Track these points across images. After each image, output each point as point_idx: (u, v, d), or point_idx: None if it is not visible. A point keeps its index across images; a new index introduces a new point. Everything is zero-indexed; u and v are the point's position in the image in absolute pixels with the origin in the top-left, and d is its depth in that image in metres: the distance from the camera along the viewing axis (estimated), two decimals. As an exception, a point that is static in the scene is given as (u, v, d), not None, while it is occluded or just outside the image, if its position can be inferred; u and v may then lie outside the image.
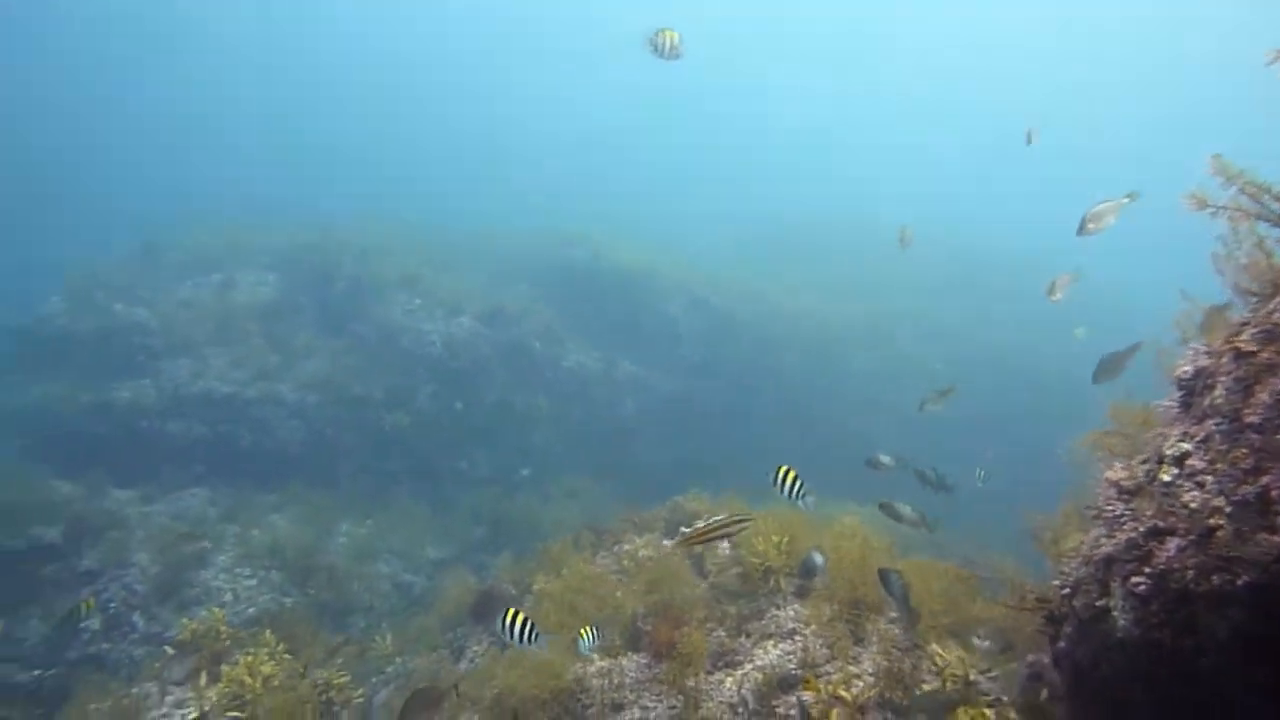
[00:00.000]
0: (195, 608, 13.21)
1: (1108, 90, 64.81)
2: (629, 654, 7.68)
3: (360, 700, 9.63)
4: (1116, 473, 4.06)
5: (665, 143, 65.09)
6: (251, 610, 13.63)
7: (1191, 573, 3.34)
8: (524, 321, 22.78)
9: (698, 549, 9.22)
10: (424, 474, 19.58)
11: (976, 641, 6.45)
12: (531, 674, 7.18)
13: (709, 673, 7.11)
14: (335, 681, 9.41)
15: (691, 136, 65.56)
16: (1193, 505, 3.42)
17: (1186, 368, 3.98)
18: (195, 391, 18.54)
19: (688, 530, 6.48)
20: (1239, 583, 3.10)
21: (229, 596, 13.97)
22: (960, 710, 4.98)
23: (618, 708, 7.08)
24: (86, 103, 62.05)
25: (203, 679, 8.93)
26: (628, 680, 7.30)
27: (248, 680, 8.67)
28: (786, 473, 6.28)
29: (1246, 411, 3.31)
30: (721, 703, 6.68)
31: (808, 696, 6.13)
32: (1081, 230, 7.63)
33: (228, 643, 9.86)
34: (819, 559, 7.05)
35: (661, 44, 7.33)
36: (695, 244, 33.39)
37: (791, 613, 7.48)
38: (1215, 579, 3.23)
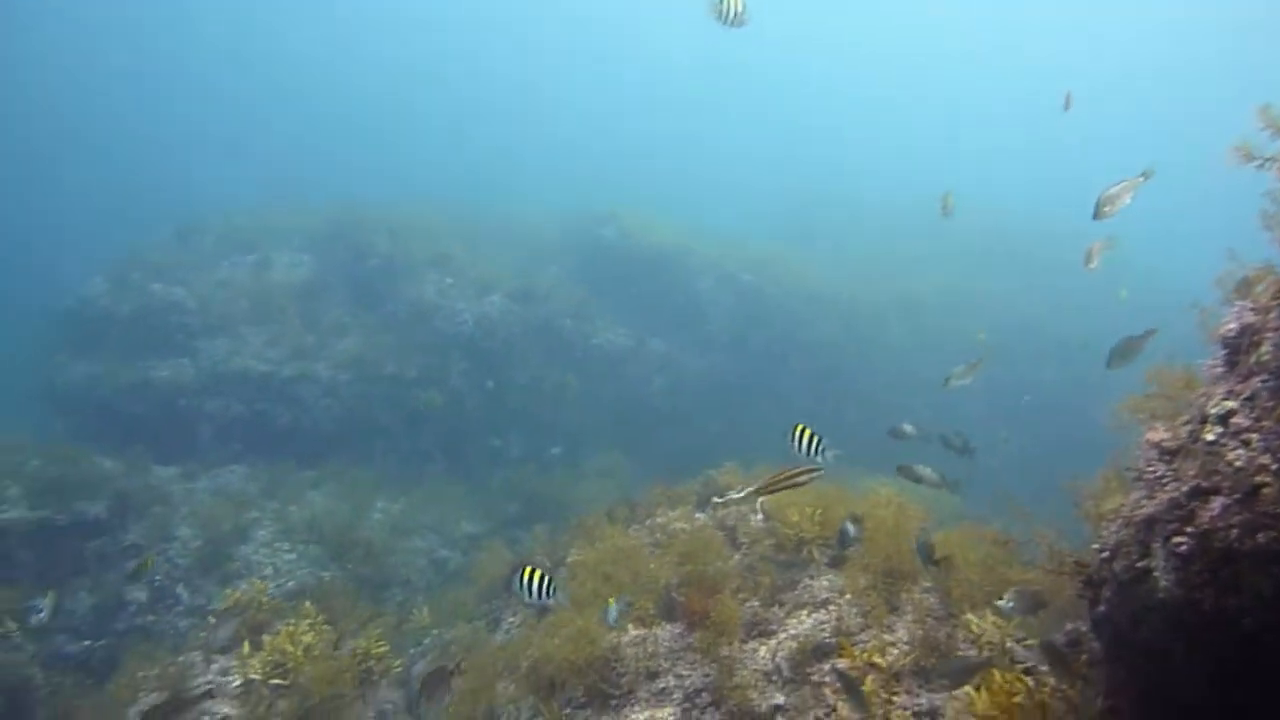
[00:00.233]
0: (237, 581, 13.50)
1: (1150, 60, 63.27)
2: (663, 624, 7.73)
3: (399, 669, 9.80)
4: (1158, 434, 4.00)
5: (696, 118, 64.62)
6: (291, 584, 13.89)
7: (1236, 531, 3.30)
8: (554, 300, 22.82)
9: (730, 522, 9.27)
10: (456, 452, 19.78)
11: (999, 603, 6.42)
12: (568, 643, 7.25)
13: (743, 642, 7.14)
14: (374, 651, 9.58)
15: (723, 112, 65.05)
16: (1237, 463, 3.37)
17: (1231, 325, 3.90)
18: (232, 370, 18.85)
19: (751, 487, 6.44)
20: (1285, 540, 3.06)
21: (269, 570, 14.23)
22: (997, 672, 4.96)
23: (652, 675, 7.14)
24: (126, 89, 62.92)
25: (246, 648, 9.12)
26: (662, 649, 7.36)
27: (289, 649, 8.85)
28: (803, 430, 6.29)
29: (1294, 367, 3.25)
30: (755, 670, 6.71)
31: (843, 663, 6.14)
32: (1097, 214, 7.50)
33: (269, 613, 10.06)
34: (853, 528, 7.03)
35: (726, 10, 7.21)
36: (725, 220, 33.22)
37: (825, 583, 7.49)
38: (1260, 537, 3.19)
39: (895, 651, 6.27)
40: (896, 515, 7.41)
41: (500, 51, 73.34)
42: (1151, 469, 3.92)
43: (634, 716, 6.76)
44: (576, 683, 7.22)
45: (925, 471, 7.09)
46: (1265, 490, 3.18)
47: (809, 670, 6.47)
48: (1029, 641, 6.04)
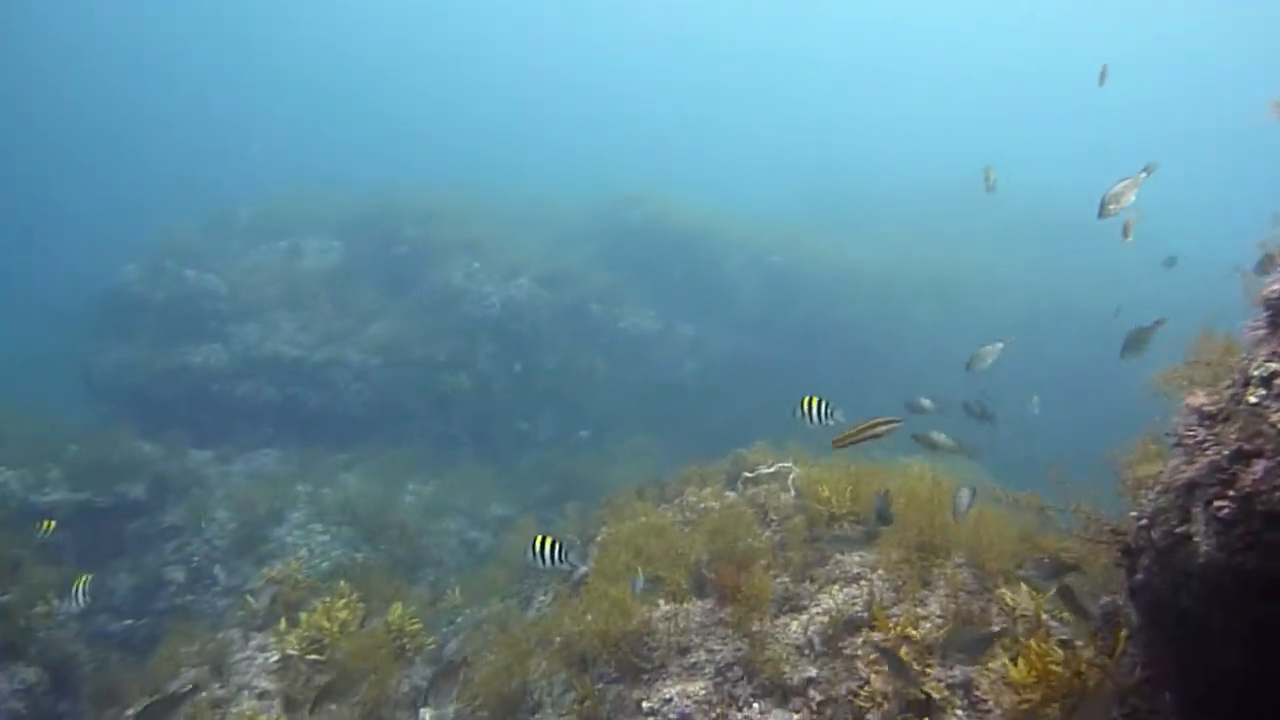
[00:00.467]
0: (272, 561, 13.70)
1: (1184, 38, 61.85)
2: (694, 599, 7.75)
3: (432, 647, 9.92)
4: (1198, 398, 3.93)
5: (722, 99, 64.23)
6: (325, 564, 14.08)
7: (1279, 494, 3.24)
8: (582, 283, 22.85)
9: (761, 499, 9.25)
10: (486, 435, 19.93)
11: (1020, 572, 6.37)
12: (601, 615, 7.30)
13: (774, 617, 7.14)
14: (408, 629, 9.70)
15: (749, 93, 64.59)
16: (1282, 425, 3.30)
17: (1275, 286, 3.82)
18: (264, 355, 19.11)
19: (840, 434, 6.47)
20: (1332, 502, 3.00)
21: (304, 551, 14.42)
22: (1034, 641, 4.93)
23: (684, 650, 7.16)
24: (158, 81, 63.68)
25: (283, 624, 9.27)
26: (693, 624, 7.37)
27: (325, 625, 8.99)
28: (811, 399, 6.33)
29: (1341, 327, 3.18)
30: (787, 644, 6.70)
31: (877, 636, 6.13)
32: (1102, 213, 7.54)
33: (305, 591, 10.21)
34: (886, 505, 6.98)
35: None
36: (753, 202, 33.04)
37: (856, 558, 7.45)
38: (1305, 499, 3.13)
39: (928, 625, 6.24)
40: (931, 489, 7.36)
41: (526, 37, 73.23)
42: (1191, 434, 3.85)
43: (666, 690, 6.78)
44: (608, 657, 7.27)
45: (940, 438, 7.05)
46: (1311, 451, 3.11)
47: (841, 644, 6.45)
48: (1063, 613, 5.99)
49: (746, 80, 66.55)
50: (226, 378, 18.71)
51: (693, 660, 7.04)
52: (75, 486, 13.93)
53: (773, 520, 8.80)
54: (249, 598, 10.26)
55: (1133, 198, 7.42)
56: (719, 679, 6.76)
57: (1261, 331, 3.87)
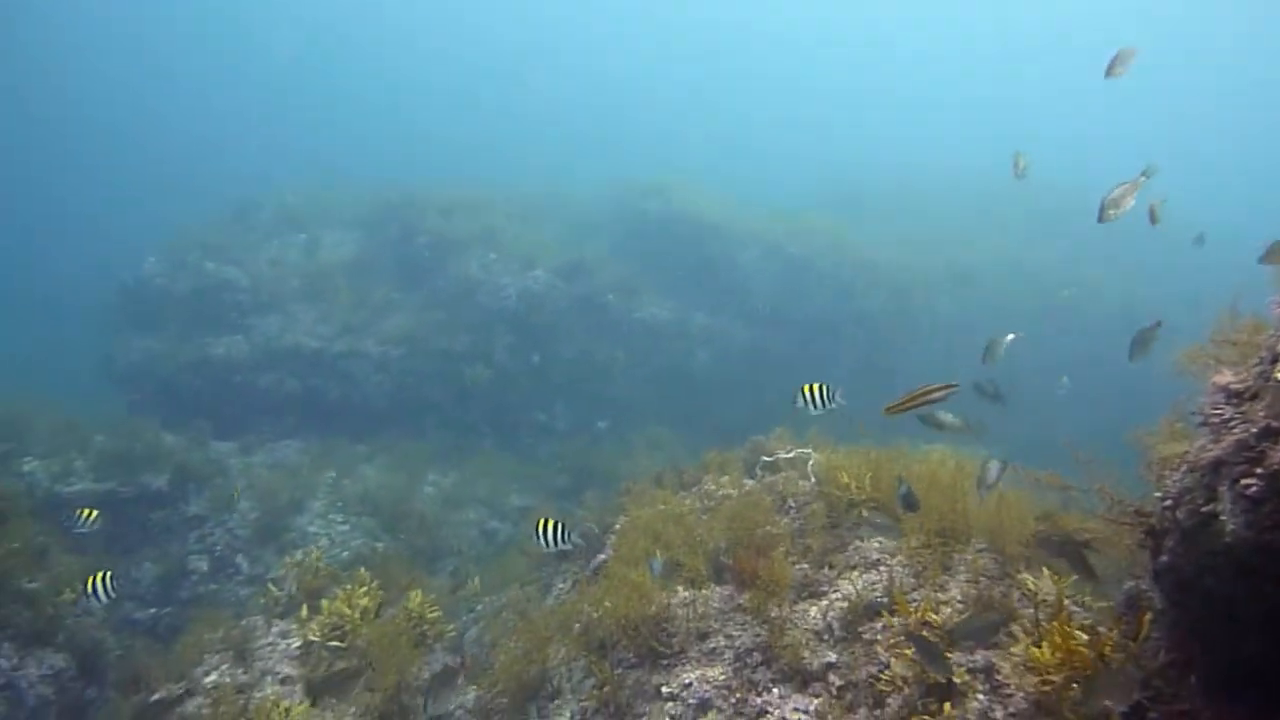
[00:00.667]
0: (293, 550, 13.83)
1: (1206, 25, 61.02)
2: (712, 586, 7.75)
3: (452, 634, 9.97)
4: (1224, 376, 3.88)
5: (737, 89, 63.96)
6: (345, 554, 14.22)
7: (1309, 472, 3.20)
8: (598, 274, 22.84)
9: (779, 487, 9.23)
10: (504, 426, 20.00)
11: (1021, 550, 6.33)
12: (621, 602, 7.31)
13: (793, 603, 7.13)
14: (429, 616, 9.74)
15: (769, 83, 64.26)
16: (1311, 402, 3.26)
17: (1304, 263, 3.78)
18: (284, 346, 19.26)
19: (894, 401, 6.50)
20: (1362, 479, 2.96)
21: (324, 541, 14.58)
22: (1055, 623, 4.89)
23: (703, 636, 7.16)
24: (162, 77, 64.16)
25: (304, 611, 9.35)
26: (712, 610, 7.37)
27: (347, 611, 9.05)
28: (810, 386, 6.50)
29: (1372, 302, 3.13)
30: (807, 630, 6.69)
31: (897, 620, 6.11)
32: (1101, 217, 7.57)
33: (326, 579, 10.29)
34: (912, 490, 6.93)
35: None
36: (768, 192, 32.89)
37: (876, 544, 7.43)
38: (1336, 476, 3.09)
39: (948, 610, 6.21)
40: (954, 474, 7.31)
41: (538, 26, 73.11)
42: (1218, 412, 3.81)
43: (685, 675, 6.79)
44: (627, 643, 7.28)
45: (947, 417, 7.03)
46: (1341, 427, 3.07)
47: (861, 629, 6.44)
48: (1084, 598, 5.95)
49: (765, 67, 66.25)
50: (248, 369, 18.87)
51: (712, 646, 7.04)
52: (100, 477, 14.12)
53: (791, 507, 8.79)
54: (271, 585, 10.35)
55: (1132, 202, 7.49)
56: (738, 664, 6.76)
57: (1290, 308, 3.82)
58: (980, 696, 5.39)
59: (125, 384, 19.07)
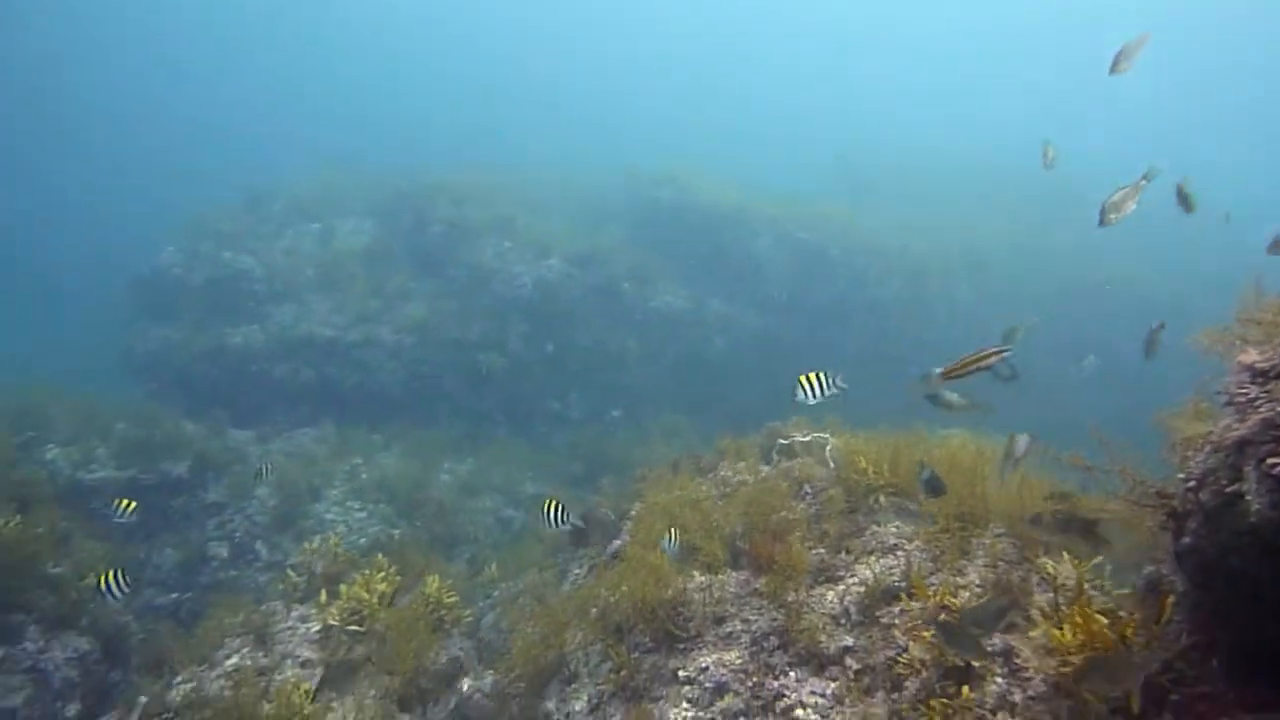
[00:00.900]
0: (312, 537, 13.94)
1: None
2: (728, 571, 7.76)
3: (469, 619, 10.04)
4: (1250, 356, 3.85)
5: (747, 74, 63.60)
6: (363, 540, 14.33)
7: (1335, 451, 3.18)
8: (613, 262, 22.83)
9: (796, 472, 9.22)
10: (519, 414, 20.07)
11: (1025, 528, 6.31)
12: (638, 585, 7.33)
13: (810, 587, 7.13)
14: (446, 601, 9.81)
15: (780, 68, 63.86)
16: (1337, 381, 3.24)
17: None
18: (300, 335, 19.36)
19: (949, 365, 6.54)
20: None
21: (342, 528, 14.69)
22: (1075, 607, 4.87)
23: (719, 620, 7.18)
24: (183, 65, 64.39)
25: (323, 596, 9.44)
26: (729, 594, 7.39)
27: (365, 596, 9.13)
28: (809, 375, 6.59)
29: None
30: (824, 614, 6.69)
31: (915, 604, 6.10)
32: (1103, 221, 7.59)
33: (344, 565, 10.37)
34: (937, 475, 6.90)
35: None
36: (780, 178, 32.74)
37: (893, 529, 7.41)
38: (1362, 455, 3.06)
39: (966, 594, 6.20)
40: (974, 458, 7.29)
41: (548, 12, 72.73)
42: (1243, 391, 3.78)
43: (702, 659, 6.81)
44: (644, 627, 7.31)
45: (953, 397, 7.02)
46: (1368, 405, 3.05)
47: (878, 613, 6.44)
48: (1105, 584, 5.92)
49: (768, 52, 65.87)
50: (264, 358, 18.98)
51: (728, 630, 7.06)
52: (121, 464, 14.27)
53: (808, 493, 8.78)
54: (290, 571, 10.45)
55: (1133, 206, 7.47)
56: (755, 648, 6.77)
57: (1315, 287, 3.79)
58: (999, 679, 5.39)
59: (143, 373, 19.21)
